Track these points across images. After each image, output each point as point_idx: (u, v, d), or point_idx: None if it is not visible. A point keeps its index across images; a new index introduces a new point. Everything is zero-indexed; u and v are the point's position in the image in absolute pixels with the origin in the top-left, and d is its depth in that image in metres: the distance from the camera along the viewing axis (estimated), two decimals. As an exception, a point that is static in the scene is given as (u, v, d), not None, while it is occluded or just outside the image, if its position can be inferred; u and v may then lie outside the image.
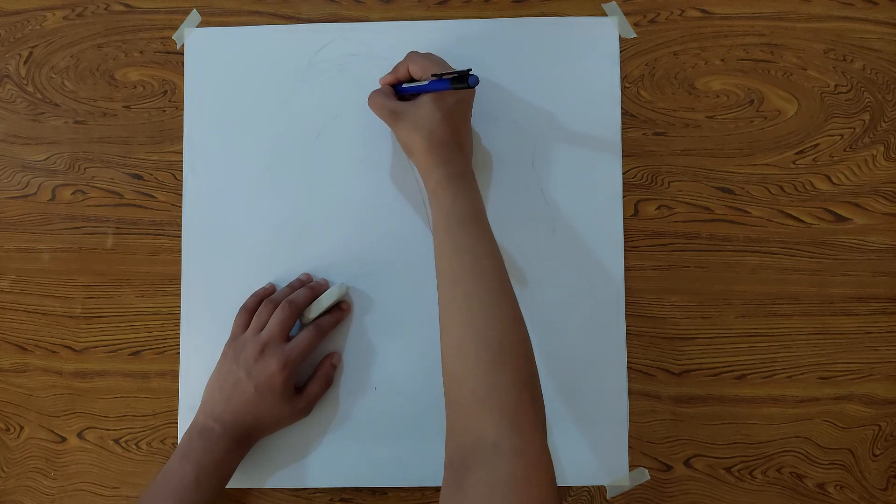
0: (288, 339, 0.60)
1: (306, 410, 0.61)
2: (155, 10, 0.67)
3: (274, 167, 0.65)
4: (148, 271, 0.66)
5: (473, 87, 0.53)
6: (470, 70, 0.53)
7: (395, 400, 0.63)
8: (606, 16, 0.65)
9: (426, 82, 0.57)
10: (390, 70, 0.61)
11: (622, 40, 0.65)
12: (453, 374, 0.49)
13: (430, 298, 0.63)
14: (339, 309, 0.63)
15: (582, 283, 0.63)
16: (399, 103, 0.59)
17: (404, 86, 0.60)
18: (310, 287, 0.62)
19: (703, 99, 0.64)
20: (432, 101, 0.56)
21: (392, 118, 0.58)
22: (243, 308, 0.62)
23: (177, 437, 0.64)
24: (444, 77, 0.54)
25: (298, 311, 0.60)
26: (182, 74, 0.67)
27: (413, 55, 0.59)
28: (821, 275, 0.63)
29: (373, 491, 0.63)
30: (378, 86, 0.62)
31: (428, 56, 0.59)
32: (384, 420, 0.63)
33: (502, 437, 0.45)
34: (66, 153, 0.67)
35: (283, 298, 0.61)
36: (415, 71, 0.58)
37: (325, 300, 0.61)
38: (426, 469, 0.63)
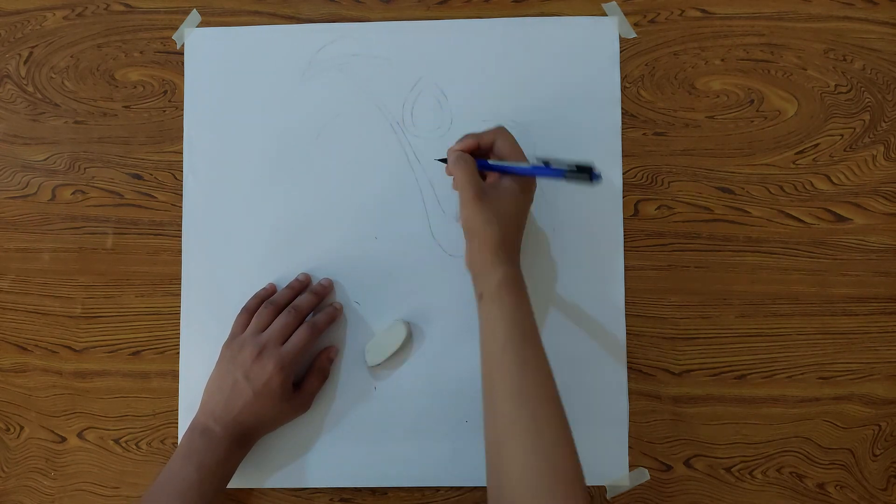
0: (284, 342, 0.60)
1: (305, 406, 0.61)
2: (155, 10, 0.67)
3: (274, 167, 0.65)
4: (148, 271, 0.66)
5: (595, 183, 0.50)
6: (593, 165, 0.50)
7: (395, 400, 0.63)
8: (606, 16, 0.65)
9: (517, 165, 0.54)
10: (467, 136, 0.57)
11: (622, 40, 0.65)
12: (515, 498, 0.47)
13: (430, 298, 0.64)
14: (333, 307, 0.63)
15: (582, 283, 0.63)
16: (483, 183, 0.55)
17: (494, 162, 0.56)
18: (313, 292, 0.62)
19: (703, 99, 0.64)
20: (516, 192, 0.54)
21: (473, 197, 0.54)
22: (244, 309, 0.62)
23: (177, 437, 0.64)
24: (558, 168, 0.51)
25: (302, 317, 0.61)
26: (182, 74, 0.67)
27: (504, 132, 0.56)
28: (821, 275, 0.63)
29: (373, 491, 0.63)
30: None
31: (512, 137, 0.56)
32: (384, 420, 0.63)
33: None
34: (66, 153, 0.67)
35: (284, 301, 0.61)
36: (505, 151, 0.55)
37: (392, 343, 0.61)
38: (426, 469, 0.63)
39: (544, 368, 0.51)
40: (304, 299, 0.61)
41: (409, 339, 0.62)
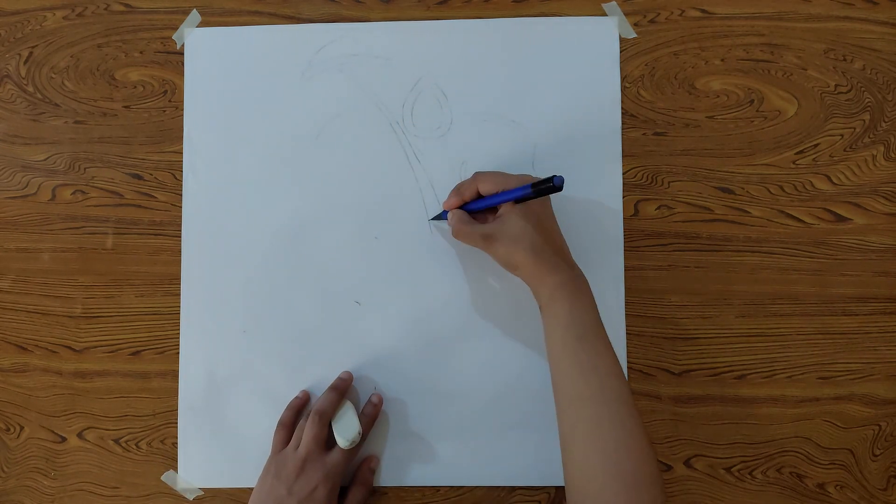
0: (326, 448, 0.59)
1: None
2: (155, 10, 0.67)
3: (274, 167, 0.65)
4: (148, 271, 0.66)
5: (559, 188, 0.52)
6: (554, 176, 0.52)
7: (395, 400, 0.63)
8: (606, 16, 0.65)
9: (499, 193, 0.55)
10: (451, 193, 0.59)
11: (622, 40, 0.65)
12: (583, 500, 0.48)
13: (429, 297, 0.64)
14: (371, 403, 0.62)
15: (582, 283, 0.63)
16: (487, 226, 0.56)
17: (476, 203, 0.58)
18: (333, 388, 0.61)
19: (703, 99, 0.64)
20: (519, 212, 0.55)
21: (486, 242, 0.55)
22: (280, 424, 0.61)
23: (176, 438, 0.64)
24: (524, 186, 0.53)
25: (328, 418, 0.59)
26: (182, 74, 0.67)
27: (479, 175, 0.57)
28: (821, 275, 0.63)
29: (373, 491, 0.63)
30: (435, 211, 0.63)
31: (493, 173, 0.57)
32: (384, 420, 0.63)
33: None
34: (66, 153, 0.67)
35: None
36: (487, 188, 0.56)
37: (349, 430, 0.59)
38: (426, 469, 0.63)
39: (604, 369, 0.51)
40: (325, 401, 0.60)
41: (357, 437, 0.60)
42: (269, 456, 0.60)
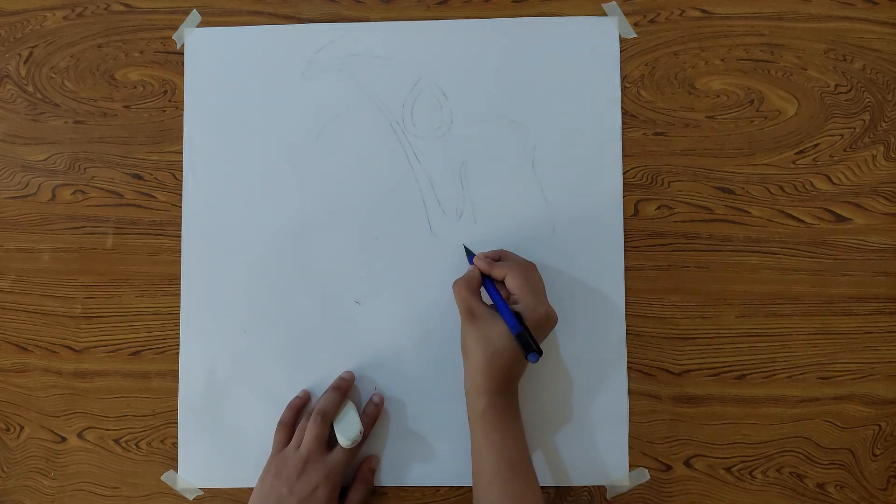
0: (327, 448, 0.59)
1: None
2: (155, 10, 0.67)
3: (274, 167, 0.65)
4: (148, 271, 0.66)
5: (529, 361, 0.53)
6: (539, 353, 0.53)
7: (396, 400, 0.63)
8: (606, 16, 0.65)
9: (503, 306, 0.55)
10: (486, 259, 0.58)
11: (622, 40, 0.65)
12: None
13: (429, 297, 0.64)
14: (373, 403, 0.62)
15: (582, 283, 0.63)
16: (480, 306, 0.56)
17: (493, 290, 0.57)
18: (335, 388, 0.61)
19: (703, 99, 0.64)
20: (507, 330, 0.54)
21: (468, 316, 0.56)
22: (280, 424, 0.61)
23: (176, 438, 0.64)
24: (521, 333, 0.53)
25: (330, 418, 0.59)
26: (182, 74, 0.67)
27: (515, 270, 0.56)
28: (821, 275, 0.63)
29: (373, 491, 0.63)
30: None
31: (532, 278, 0.57)
32: (384, 420, 0.63)
33: None
34: (66, 153, 0.67)
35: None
36: (511, 286, 0.56)
37: (351, 429, 0.59)
38: (426, 469, 0.63)
39: (531, 498, 0.53)
40: (328, 401, 0.60)
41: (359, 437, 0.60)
42: (270, 456, 0.60)
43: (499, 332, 0.54)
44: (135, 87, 0.67)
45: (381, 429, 0.63)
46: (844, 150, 0.64)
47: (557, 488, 0.62)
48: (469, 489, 0.63)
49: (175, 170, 0.66)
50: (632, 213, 0.64)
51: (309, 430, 0.58)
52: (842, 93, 0.64)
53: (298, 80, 0.66)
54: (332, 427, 0.59)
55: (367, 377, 0.63)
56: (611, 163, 0.64)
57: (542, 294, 0.57)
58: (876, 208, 0.63)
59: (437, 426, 0.63)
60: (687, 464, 0.62)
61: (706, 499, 0.62)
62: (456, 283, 0.57)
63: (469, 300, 0.56)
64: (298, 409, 0.62)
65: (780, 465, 0.62)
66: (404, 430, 0.63)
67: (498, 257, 0.59)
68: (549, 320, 0.56)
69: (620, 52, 0.65)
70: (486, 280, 0.58)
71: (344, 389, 0.61)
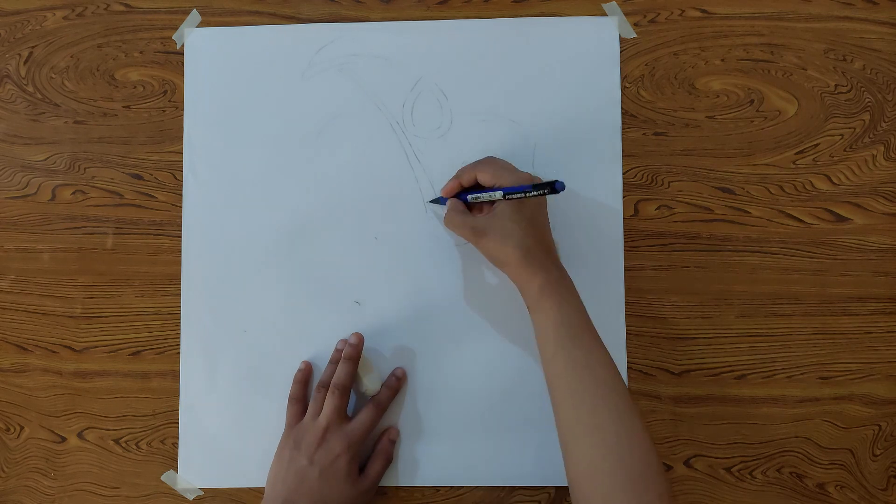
0: (347, 419, 0.59)
1: (371, 491, 0.60)
2: (155, 10, 0.67)
3: (273, 167, 0.65)
4: (148, 271, 0.66)
5: (558, 192, 0.52)
6: (556, 181, 0.52)
7: (397, 400, 0.63)
8: (606, 16, 0.65)
9: (497, 188, 0.55)
10: (451, 178, 0.59)
11: (622, 40, 0.65)
12: (589, 497, 0.48)
13: (429, 297, 0.64)
14: (395, 377, 0.62)
15: (582, 283, 0.63)
16: (478, 219, 0.56)
17: (473, 195, 0.58)
18: (347, 359, 0.61)
19: (703, 99, 0.64)
20: (513, 210, 0.55)
21: (476, 235, 0.56)
22: (291, 399, 0.61)
23: (176, 438, 0.64)
24: (522, 185, 0.53)
25: (348, 390, 0.60)
26: (182, 74, 0.67)
27: (481, 164, 0.57)
28: (821, 275, 0.63)
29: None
30: (435, 195, 0.63)
31: (496, 162, 0.57)
32: (385, 421, 0.63)
33: None
34: (66, 153, 0.67)
35: (329, 378, 0.61)
36: (485, 179, 0.56)
37: (372, 384, 0.61)
38: (426, 469, 0.63)
39: (599, 365, 0.51)
40: (342, 372, 0.60)
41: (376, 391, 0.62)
42: (285, 431, 0.60)
43: (509, 219, 0.54)
44: (135, 87, 0.67)
45: (381, 428, 0.63)
46: (844, 150, 0.64)
47: (557, 488, 0.62)
48: (469, 489, 0.63)
49: (175, 170, 0.66)
50: (632, 213, 0.64)
51: (328, 402, 0.58)
52: (842, 93, 0.64)
53: (298, 80, 0.66)
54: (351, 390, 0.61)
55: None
56: (611, 163, 0.64)
57: (514, 168, 0.57)
58: (876, 208, 0.63)
59: (437, 426, 0.63)
60: (687, 464, 0.62)
61: (706, 499, 0.62)
62: (445, 220, 0.58)
63: (466, 220, 0.57)
64: (306, 383, 0.63)
65: (780, 465, 0.62)
66: (404, 431, 0.63)
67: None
68: (533, 179, 0.56)
69: (620, 52, 0.65)
70: (465, 195, 0.58)
71: (355, 358, 0.61)
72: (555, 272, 0.55)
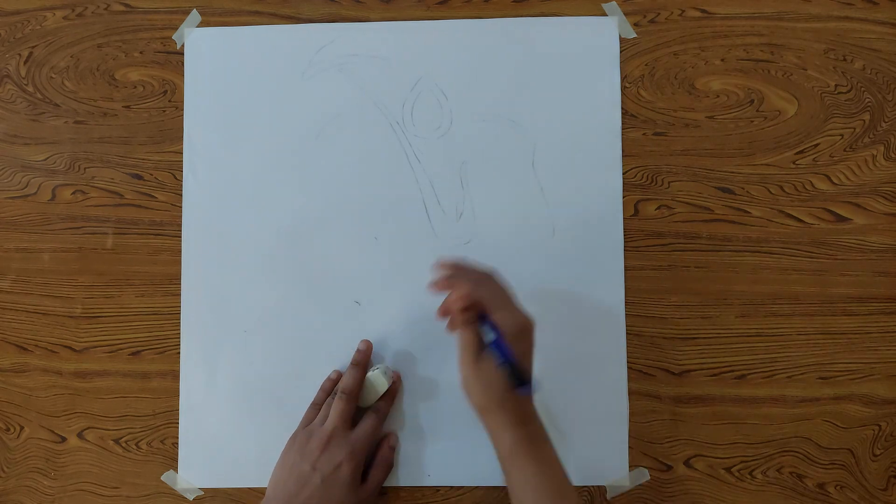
0: (351, 426, 0.59)
1: (372, 499, 0.60)
2: (155, 10, 0.67)
3: (273, 167, 0.65)
4: (148, 271, 0.66)
5: (521, 393, 0.50)
6: (531, 384, 0.51)
7: (397, 401, 0.63)
8: (606, 16, 0.65)
9: (492, 332, 0.52)
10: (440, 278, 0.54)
11: (622, 40, 0.65)
12: None
13: (429, 297, 0.63)
14: (396, 387, 0.63)
15: (582, 283, 0.63)
16: (480, 355, 0.52)
17: (495, 343, 0.52)
18: (354, 365, 0.61)
19: (703, 99, 0.64)
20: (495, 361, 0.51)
21: (471, 365, 0.52)
22: (312, 404, 0.62)
23: (176, 438, 0.64)
24: (508, 366, 0.51)
25: (354, 396, 0.59)
26: (182, 74, 0.67)
27: (472, 288, 0.51)
28: (821, 275, 0.63)
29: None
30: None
31: (489, 290, 0.52)
32: (386, 421, 0.63)
33: None
34: (66, 153, 0.67)
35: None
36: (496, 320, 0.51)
37: (378, 388, 0.61)
38: (426, 469, 0.63)
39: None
40: (349, 379, 0.60)
41: (391, 384, 0.61)
42: (296, 430, 0.60)
43: (492, 368, 0.51)
44: (135, 87, 0.67)
45: (384, 429, 0.63)
46: (844, 150, 0.64)
47: (557, 488, 0.62)
48: (469, 489, 0.63)
49: (175, 170, 0.66)
50: (632, 213, 0.64)
51: (334, 407, 0.58)
52: (842, 93, 0.64)
53: (298, 80, 0.66)
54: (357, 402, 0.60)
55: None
56: (611, 163, 0.64)
57: (510, 301, 0.53)
58: (876, 208, 0.63)
59: (437, 426, 0.63)
60: (687, 464, 0.62)
61: (706, 499, 0.62)
62: (458, 328, 0.53)
63: (473, 342, 0.52)
64: (329, 391, 0.62)
65: (780, 465, 0.62)
66: (405, 430, 0.63)
67: (450, 282, 0.54)
68: (527, 326, 0.52)
69: (620, 52, 0.65)
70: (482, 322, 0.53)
71: (363, 363, 0.61)
72: (529, 428, 0.52)
